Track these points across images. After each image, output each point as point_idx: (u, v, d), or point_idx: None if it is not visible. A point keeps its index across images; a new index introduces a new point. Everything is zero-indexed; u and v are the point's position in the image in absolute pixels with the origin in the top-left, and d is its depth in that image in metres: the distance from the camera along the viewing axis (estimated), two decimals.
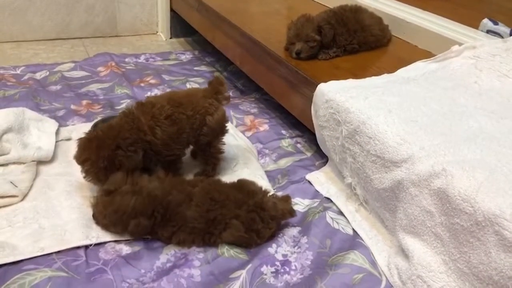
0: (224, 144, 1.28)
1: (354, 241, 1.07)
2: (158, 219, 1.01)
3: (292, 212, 1.08)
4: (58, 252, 0.98)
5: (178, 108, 1.16)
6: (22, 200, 1.11)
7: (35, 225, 1.04)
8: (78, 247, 1.00)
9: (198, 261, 0.99)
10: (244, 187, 1.08)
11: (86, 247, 1.01)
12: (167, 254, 1.01)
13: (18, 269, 0.93)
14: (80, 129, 1.44)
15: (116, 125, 1.11)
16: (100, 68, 1.96)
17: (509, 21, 1.49)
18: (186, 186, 1.07)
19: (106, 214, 1.02)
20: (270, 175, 1.31)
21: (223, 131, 1.26)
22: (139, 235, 1.03)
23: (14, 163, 1.22)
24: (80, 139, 1.11)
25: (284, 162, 1.38)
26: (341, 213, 1.16)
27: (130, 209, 0.99)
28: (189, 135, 1.19)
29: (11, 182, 1.13)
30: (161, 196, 1.02)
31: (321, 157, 1.39)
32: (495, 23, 1.46)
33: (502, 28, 1.44)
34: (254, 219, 1.02)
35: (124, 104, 1.65)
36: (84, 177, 1.11)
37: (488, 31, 1.47)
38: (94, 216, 1.06)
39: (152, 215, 1.01)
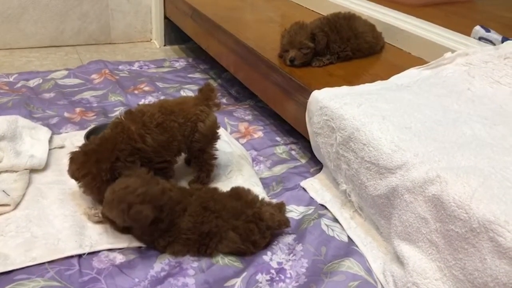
0: (217, 150, 1.28)
1: (349, 248, 1.07)
2: (165, 223, 0.99)
3: (287, 223, 1.09)
4: (51, 261, 0.97)
5: (170, 116, 1.16)
6: (14, 208, 1.10)
7: (27, 234, 1.03)
8: (71, 256, 0.99)
9: (192, 270, 0.98)
10: (242, 196, 1.08)
11: (80, 256, 1.00)
12: (161, 263, 1.00)
13: (10, 279, 0.92)
14: (73, 137, 1.44)
15: (110, 137, 1.10)
16: (93, 76, 1.95)
17: (500, 29, 1.50)
18: (186, 195, 1.06)
19: (116, 191, 0.98)
20: (265, 182, 1.31)
21: (215, 137, 1.26)
22: (136, 223, 0.99)
23: (6, 171, 1.20)
24: (74, 153, 1.09)
25: (279, 169, 1.38)
26: (336, 220, 1.16)
27: (141, 191, 0.97)
28: (181, 143, 1.18)
29: (3, 191, 1.12)
30: (175, 199, 1.02)
31: (316, 164, 1.39)
32: (487, 30, 1.48)
33: (494, 35, 1.45)
34: (252, 231, 1.01)
35: (117, 112, 1.65)
36: (84, 192, 1.10)
37: (480, 38, 1.49)
38: (105, 196, 1.01)
39: (160, 209, 0.99)
